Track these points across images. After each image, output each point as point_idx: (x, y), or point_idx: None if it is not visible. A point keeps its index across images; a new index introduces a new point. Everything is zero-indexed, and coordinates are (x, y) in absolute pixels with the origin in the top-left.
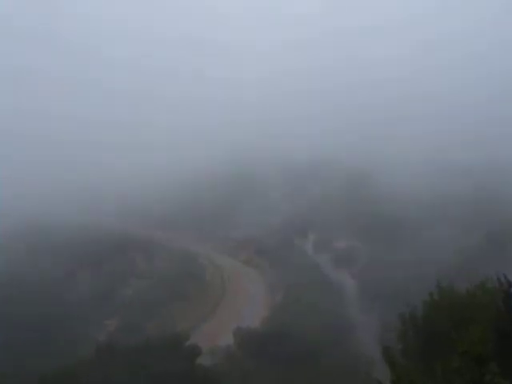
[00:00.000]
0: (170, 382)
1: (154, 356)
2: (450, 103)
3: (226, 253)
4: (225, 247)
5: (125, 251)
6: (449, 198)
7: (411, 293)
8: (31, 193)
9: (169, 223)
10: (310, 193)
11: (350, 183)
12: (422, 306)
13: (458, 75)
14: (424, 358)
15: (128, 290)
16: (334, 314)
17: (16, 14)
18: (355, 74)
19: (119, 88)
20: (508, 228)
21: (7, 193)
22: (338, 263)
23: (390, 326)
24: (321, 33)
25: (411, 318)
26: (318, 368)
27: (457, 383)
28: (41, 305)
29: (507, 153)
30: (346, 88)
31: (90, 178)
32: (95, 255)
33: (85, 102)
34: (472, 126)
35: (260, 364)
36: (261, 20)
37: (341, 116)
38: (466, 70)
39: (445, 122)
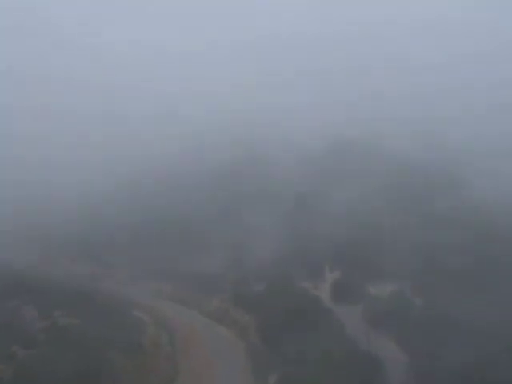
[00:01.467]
0: None
1: None
2: None
3: (182, 301)
4: (181, 292)
5: (11, 299)
6: None
7: (491, 370)
8: None
9: (89, 252)
10: (325, 203)
11: (399, 186)
12: None
13: None
14: None
15: (10, 363)
16: None
17: None
18: None
19: None
20: None
21: None
22: (373, 321)
23: None
24: None
25: None
26: None
27: None
28: None
29: None
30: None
31: None
32: None
33: None
34: None
35: None
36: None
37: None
38: None
39: None
